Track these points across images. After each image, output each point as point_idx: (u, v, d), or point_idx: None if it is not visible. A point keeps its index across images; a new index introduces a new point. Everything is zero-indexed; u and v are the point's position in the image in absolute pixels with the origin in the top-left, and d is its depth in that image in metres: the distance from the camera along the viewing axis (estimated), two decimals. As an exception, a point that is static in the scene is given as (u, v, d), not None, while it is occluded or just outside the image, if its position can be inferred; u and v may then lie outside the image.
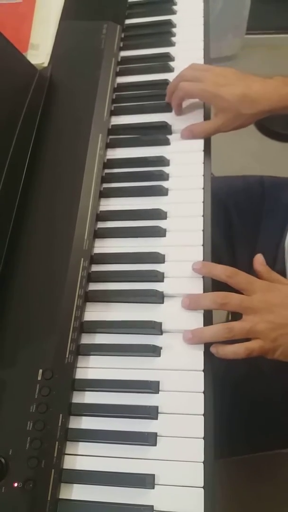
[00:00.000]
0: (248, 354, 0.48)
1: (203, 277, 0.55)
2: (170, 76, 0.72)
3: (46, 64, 0.72)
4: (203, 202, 0.60)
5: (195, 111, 0.68)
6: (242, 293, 0.51)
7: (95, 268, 0.57)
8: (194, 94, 0.65)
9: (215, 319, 0.53)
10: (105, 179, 0.63)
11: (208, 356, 0.50)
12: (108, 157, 0.66)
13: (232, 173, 0.88)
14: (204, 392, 0.48)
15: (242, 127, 0.64)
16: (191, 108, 0.68)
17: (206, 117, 0.68)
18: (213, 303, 0.50)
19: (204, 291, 0.54)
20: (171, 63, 0.73)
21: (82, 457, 0.46)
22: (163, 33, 0.77)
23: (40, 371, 0.48)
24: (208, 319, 0.52)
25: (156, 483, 0.44)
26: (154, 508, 0.43)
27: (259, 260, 0.57)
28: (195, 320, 0.52)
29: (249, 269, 0.81)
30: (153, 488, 0.44)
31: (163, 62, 0.73)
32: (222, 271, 0.52)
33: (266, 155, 1.55)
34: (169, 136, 0.66)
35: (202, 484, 0.44)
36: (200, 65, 0.68)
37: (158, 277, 0.55)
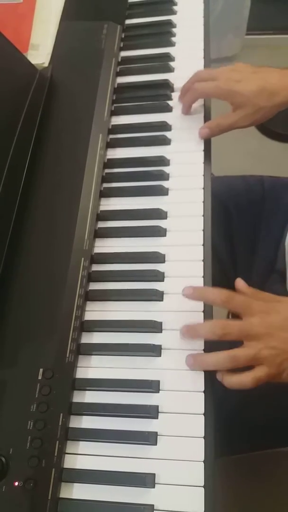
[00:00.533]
0: (256, 383, 0.46)
1: (203, 277, 0.55)
2: (170, 76, 0.72)
3: (46, 64, 0.72)
4: (203, 202, 0.60)
5: (196, 110, 0.68)
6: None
7: (96, 267, 0.57)
8: (209, 93, 0.65)
9: (215, 316, 0.53)
10: (106, 179, 0.63)
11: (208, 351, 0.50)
12: (108, 157, 0.66)
13: (232, 173, 0.88)
14: (204, 391, 0.48)
15: (263, 121, 0.63)
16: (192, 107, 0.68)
17: (206, 116, 0.67)
18: (212, 334, 0.48)
19: (205, 290, 0.54)
20: (171, 63, 0.73)
21: (82, 456, 0.46)
22: (163, 33, 0.77)
23: (41, 370, 0.49)
24: (208, 317, 0.52)
25: (157, 482, 0.44)
26: (155, 507, 0.43)
27: (240, 284, 0.53)
28: (196, 319, 0.52)
29: (249, 269, 0.82)
30: (154, 487, 0.44)
31: (163, 62, 0.74)
32: (217, 296, 0.49)
33: (266, 156, 1.55)
34: (169, 136, 0.66)
35: (202, 483, 0.44)
36: (212, 69, 0.67)
37: (159, 276, 0.55)
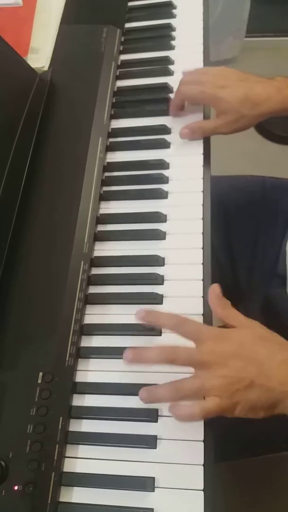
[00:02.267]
0: (204, 415, 0.43)
1: (203, 280, 0.55)
2: (170, 80, 0.72)
3: (46, 68, 0.72)
4: (203, 205, 0.60)
5: (195, 114, 0.68)
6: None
7: (95, 271, 0.57)
8: (193, 98, 0.65)
9: (215, 321, 0.53)
10: (105, 182, 0.64)
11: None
12: (108, 160, 0.66)
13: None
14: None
15: (244, 129, 0.63)
16: (191, 111, 0.68)
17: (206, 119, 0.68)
18: (160, 358, 0.45)
19: (204, 294, 0.54)
20: (171, 67, 0.74)
21: (82, 460, 0.46)
22: (163, 37, 0.77)
23: (41, 374, 0.49)
24: (208, 321, 0.52)
25: (156, 486, 0.44)
26: (154, 511, 0.43)
27: (214, 292, 0.50)
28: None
29: (249, 272, 0.82)
30: (153, 491, 0.44)
31: (163, 66, 0.74)
32: (167, 321, 0.48)
33: (266, 158, 1.55)
34: (168, 139, 0.66)
35: (202, 487, 0.44)
36: (199, 68, 0.68)
37: (158, 280, 0.55)
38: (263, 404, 0.44)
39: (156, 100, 0.70)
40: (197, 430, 0.46)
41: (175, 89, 0.71)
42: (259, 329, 0.47)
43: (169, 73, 0.73)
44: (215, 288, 0.50)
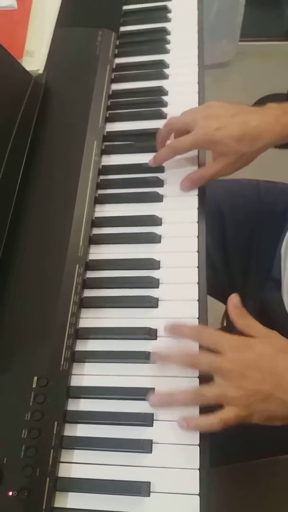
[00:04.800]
0: (223, 425, 0.44)
1: (198, 283, 0.55)
2: (164, 83, 0.72)
3: (41, 71, 0.72)
4: (198, 208, 0.60)
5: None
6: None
7: (90, 274, 0.57)
8: (188, 149, 0.61)
9: (210, 324, 0.53)
10: (100, 185, 0.63)
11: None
12: (103, 163, 0.66)
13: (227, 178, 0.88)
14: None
15: (246, 165, 0.59)
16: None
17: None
18: (182, 363, 0.47)
19: (200, 297, 0.54)
20: (166, 70, 0.74)
21: (77, 465, 0.46)
22: (157, 41, 0.77)
23: (35, 378, 0.48)
24: (203, 324, 0.52)
25: (152, 491, 0.44)
26: (150, 516, 0.43)
27: (233, 301, 0.50)
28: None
29: (244, 276, 0.82)
30: (149, 495, 0.44)
31: (157, 69, 0.74)
32: (189, 332, 0.49)
33: (260, 162, 1.55)
34: (164, 143, 0.66)
35: (197, 492, 0.44)
36: (188, 110, 0.62)
37: (153, 283, 0.55)
38: (280, 414, 0.45)
39: (151, 103, 0.70)
40: (193, 434, 0.46)
41: (169, 93, 0.71)
42: (279, 340, 0.48)
43: (164, 76, 0.73)
44: (234, 298, 0.51)
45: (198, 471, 0.44)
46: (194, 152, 0.64)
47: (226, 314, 0.98)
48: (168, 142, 0.63)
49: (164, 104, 0.70)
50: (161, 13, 0.81)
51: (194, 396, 0.45)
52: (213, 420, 0.44)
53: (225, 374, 0.45)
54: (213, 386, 0.46)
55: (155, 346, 0.51)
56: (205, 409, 0.47)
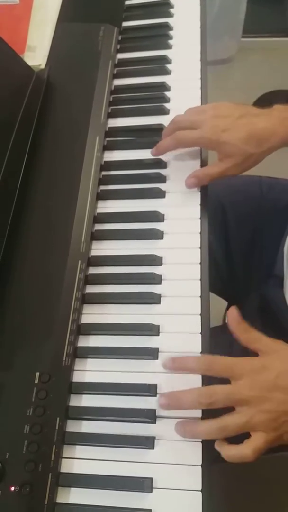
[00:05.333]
0: (257, 455, 0.42)
1: (201, 279, 0.55)
2: (167, 79, 0.72)
3: (43, 66, 0.72)
4: (200, 204, 0.60)
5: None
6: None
7: (93, 270, 0.57)
8: (192, 144, 0.61)
9: (213, 318, 0.52)
10: (102, 181, 0.63)
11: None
12: (105, 159, 0.65)
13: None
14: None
15: (253, 166, 0.59)
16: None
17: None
18: (198, 403, 0.44)
19: (202, 294, 0.54)
20: (168, 66, 0.73)
21: (79, 460, 0.46)
22: (160, 36, 0.77)
23: (37, 374, 0.48)
24: (206, 320, 0.52)
25: (154, 487, 0.44)
26: (152, 512, 0.43)
27: (233, 315, 0.48)
28: (193, 322, 0.52)
29: (247, 273, 0.82)
30: (151, 491, 0.44)
31: (160, 65, 0.73)
32: (195, 364, 0.47)
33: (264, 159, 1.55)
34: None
35: (200, 488, 0.44)
36: (194, 108, 0.62)
37: (156, 279, 0.55)
38: None
39: (154, 99, 0.70)
40: (195, 430, 0.46)
41: (172, 88, 0.71)
42: None
43: (166, 72, 0.73)
44: (233, 312, 0.49)
45: (201, 467, 0.44)
46: (197, 148, 0.64)
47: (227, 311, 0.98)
48: None
49: (167, 100, 0.70)
50: (164, 8, 0.80)
51: (219, 430, 0.43)
52: (246, 451, 0.42)
53: (247, 402, 0.43)
54: (236, 415, 0.44)
55: (157, 343, 0.51)
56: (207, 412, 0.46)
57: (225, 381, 0.45)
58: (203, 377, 0.48)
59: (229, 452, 0.43)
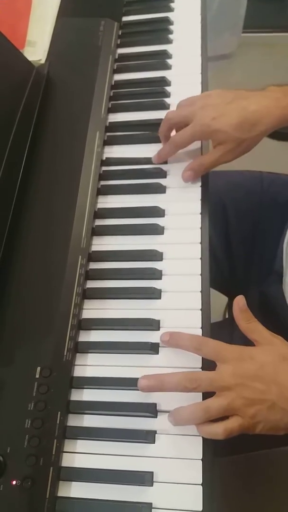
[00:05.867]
0: (227, 435, 0.44)
1: (201, 275, 0.55)
2: (167, 74, 0.72)
3: (43, 61, 0.72)
4: (201, 199, 0.60)
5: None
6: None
7: (93, 265, 0.57)
8: (189, 142, 0.60)
9: (213, 313, 0.53)
10: (103, 176, 0.63)
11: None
12: (105, 154, 0.65)
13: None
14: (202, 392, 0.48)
15: (248, 151, 0.58)
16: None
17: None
18: (182, 387, 0.45)
19: (202, 289, 0.54)
20: (169, 61, 0.73)
21: (80, 454, 0.46)
22: (160, 31, 0.77)
23: (38, 368, 0.48)
24: (206, 315, 0.52)
25: (155, 481, 0.44)
26: (153, 506, 0.43)
27: (239, 304, 0.50)
28: (194, 317, 0.52)
29: (247, 268, 0.82)
30: (152, 485, 0.44)
31: (160, 60, 0.73)
32: (189, 343, 0.48)
33: (263, 153, 1.55)
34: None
35: (200, 481, 0.44)
36: (185, 100, 0.61)
37: (156, 274, 0.55)
38: (284, 424, 0.45)
39: (154, 94, 0.70)
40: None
41: (172, 83, 0.71)
42: (282, 347, 0.48)
43: (166, 67, 0.73)
44: (240, 301, 0.50)
45: (201, 461, 0.45)
46: (197, 143, 0.64)
47: (228, 307, 0.98)
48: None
49: (167, 95, 0.70)
50: (164, 2, 0.80)
51: (201, 411, 0.44)
52: (217, 430, 0.44)
53: (228, 388, 0.45)
54: (218, 398, 0.45)
55: (157, 337, 0.51)
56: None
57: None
58: (203, 369, 0.48)
59: (202, 428, 0.45)
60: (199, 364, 0.49)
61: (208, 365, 0.48)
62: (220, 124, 0.56)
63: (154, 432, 0.46)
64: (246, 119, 0.55)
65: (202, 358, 0.49)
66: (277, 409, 0.44)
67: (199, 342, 0.48)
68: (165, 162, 0.64)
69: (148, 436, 0.46)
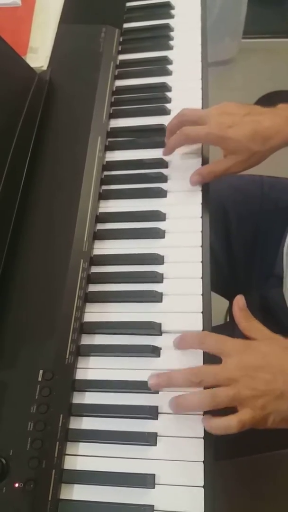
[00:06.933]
0: (241, 427, 0.43)
1: (202, 278, 0.55)
2: (168, 80, 0.72)
3: (45, 67, 0.72)
4: (202, 203, 0.60)
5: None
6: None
7: (95, 269, 0.57)
8: (199, 140, 0.61)
9: (214, 316, 0.53)
10: (104, 181, 0.64)
11: (207, 357, 0.50)
12: (107, 159, 0.66)
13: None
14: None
15: (257, 164, 0.59)
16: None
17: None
18: (188, 381, 0.46)
19: (203, 293, 0.54)
20: (169, 67, 0.74)
21: (82, 457, 0.46)
22: (161, 37, 0.78)
23: (41, 372, 0.49)
24: (207, 319, 0.52)
25: (157, 483, 0.44)
26: (155, 508, 0.43)
27: (239, 304, 0.51)
28: (195, 320, 0.52)
29: (247, 272, 0.82)
30: (154, 487, 0.44)
31: (161, 66, 0.74)
32: (191, 339, 0.49)
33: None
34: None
35: (202, 484, 0.44)
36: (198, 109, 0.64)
37: (158, 278, 0.55)
38: None
39: (155, 99, 0.71)
40: (197, 427, 0.46)
41: (173, 89, 0.71)
42: (283, 340, 0.48)
43: (167, 73, 0.73)
44: (239, 300, 0.51)
45: (203, 463, 0.45)
46: (198, 148, 0.64)
47: (228, 310, 0.98)
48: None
49: (168, 100, 0.71)
50: (165, 9, 0.81)
51: (209, 398, 0.44)
52: (231, 422, 0.43)
53: (234, 380, 0.45)
54: (225, 387, 0.45)
55: (159, 341, 0.51)
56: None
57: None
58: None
59: (214, 423, 0.45)
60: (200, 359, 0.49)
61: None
62: (234, 133, 0.57)
63: (156, 434, 0.46)
64: (260, 133, 0.57)
65: (204, 360, 0.50)
66: (286, 398, 0.44)
67: (202, 336, 0.49)
68: (166, 167, 0.64)
69: (150, 439, 0.46)
